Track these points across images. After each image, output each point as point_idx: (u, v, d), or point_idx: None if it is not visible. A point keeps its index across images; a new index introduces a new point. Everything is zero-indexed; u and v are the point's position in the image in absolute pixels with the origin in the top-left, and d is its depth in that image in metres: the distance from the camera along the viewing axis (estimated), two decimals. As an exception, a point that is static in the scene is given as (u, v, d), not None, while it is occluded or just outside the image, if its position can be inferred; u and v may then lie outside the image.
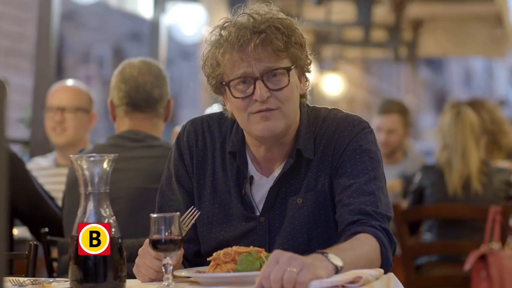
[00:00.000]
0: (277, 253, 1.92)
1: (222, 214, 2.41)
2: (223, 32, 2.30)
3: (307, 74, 2.42)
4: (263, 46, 2.27)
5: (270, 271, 1.87)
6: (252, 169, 2.40)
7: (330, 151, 2.36)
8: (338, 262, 1.99)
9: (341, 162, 2.35)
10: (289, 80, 2.31)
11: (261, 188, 2.39)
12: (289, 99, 2.31)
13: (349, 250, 2.09)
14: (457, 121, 4.84)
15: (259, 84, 2.28)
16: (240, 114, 2.33)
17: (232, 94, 2.31)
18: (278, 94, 2.30)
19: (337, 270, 1.98)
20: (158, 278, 2.21)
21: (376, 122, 5.88)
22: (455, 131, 4.82)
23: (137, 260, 2.24)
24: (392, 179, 5.54)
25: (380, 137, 5.82)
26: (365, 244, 2.17)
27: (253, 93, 2.28)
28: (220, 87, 2.36)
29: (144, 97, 3.28)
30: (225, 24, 2.31)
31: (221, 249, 2.19)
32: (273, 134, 2.31)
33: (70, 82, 4.66)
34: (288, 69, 2.31)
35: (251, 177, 2.40)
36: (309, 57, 2.38)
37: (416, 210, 4.73)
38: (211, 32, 2.34)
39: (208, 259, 2.19)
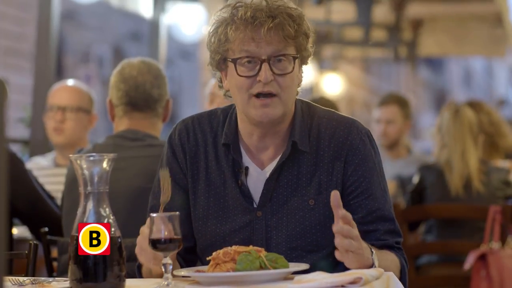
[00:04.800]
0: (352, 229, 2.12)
1: (218, 207, 2.42)
2: (235, 11, 2.33)
3: (303, 67, 2.46)
4: (276, 31, 2.31)
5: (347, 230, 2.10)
6: (247, 160, 2.43)
7: (331, 152, 2.40)
8: (376, 263, 2.15)
9: (351, 171, 2.40)
10: (293, 68, 2.35)
11: (256, 180, 2.41)
12: (289, 87, 2.35)
13: (380, 255, 2.25)
14: (456, 121, 4.83)
15: (265, 66, 2.32)
16: (240, 93, 2.36)
17: (237, 71, 2.34)
18: (281, 80, 2.34)
19: None
20: (159, 266, 2.18)
21: (375, 114, 5.93)
22: (453, 130, 4.82)
23: (136, 249, 2.22)
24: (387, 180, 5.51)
25: (379, 128, 5.87)
26: (393, 260, 2.36)
27: (257, 74, 2.32)
28: (222, 63, 2.39)
29: (143, 97, 3.28)
30: (237, 4, 2.34)
31: (217, 243, 2.22)
32: (270, 120, 2.35)
33: (71, 82, 4.66)
34: (294, 57, 2.35)
35: (246, 168, 2.42)
36: (310, 50, 2.42)
37: (416, 210, 4.73)
38: (220, 10, 2.37)
39: (207, 258, 2.19)
